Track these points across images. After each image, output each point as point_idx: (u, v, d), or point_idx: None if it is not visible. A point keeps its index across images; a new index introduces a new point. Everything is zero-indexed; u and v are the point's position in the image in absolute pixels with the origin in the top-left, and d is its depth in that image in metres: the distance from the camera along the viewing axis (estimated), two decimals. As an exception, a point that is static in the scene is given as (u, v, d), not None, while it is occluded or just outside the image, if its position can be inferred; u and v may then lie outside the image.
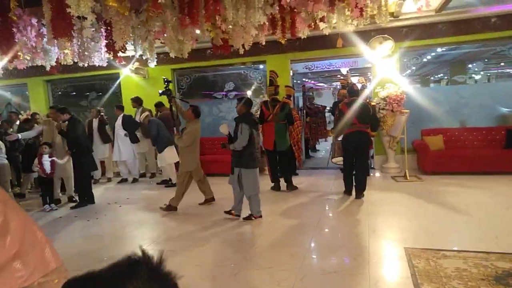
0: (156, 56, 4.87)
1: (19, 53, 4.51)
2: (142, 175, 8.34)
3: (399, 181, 6.61)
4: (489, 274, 3.04)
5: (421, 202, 5.30)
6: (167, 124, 7.11)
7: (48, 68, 4.95)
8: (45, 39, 4.05)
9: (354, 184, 5.74)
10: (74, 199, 6.41)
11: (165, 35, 3.87)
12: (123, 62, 7.84)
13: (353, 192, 5.74)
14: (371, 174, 7.16)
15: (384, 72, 7.34)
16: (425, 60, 12.47)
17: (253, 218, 4.86)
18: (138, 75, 8.70)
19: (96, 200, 6.37)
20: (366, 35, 7.08)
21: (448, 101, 7.77)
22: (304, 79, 14.28)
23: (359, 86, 7.23)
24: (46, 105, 9.39)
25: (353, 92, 5.82)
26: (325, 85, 19.22)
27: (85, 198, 6.21)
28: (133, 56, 7.70)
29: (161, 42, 4.84)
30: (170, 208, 5.44)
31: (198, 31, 4.28)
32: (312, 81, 16.48)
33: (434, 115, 7.47)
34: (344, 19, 3.70)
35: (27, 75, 8.78)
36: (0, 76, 6.31)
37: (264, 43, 4.75)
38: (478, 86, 11.81)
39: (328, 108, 14.10)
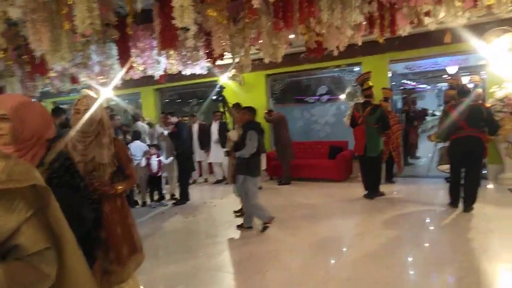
0: (251, 63, 5.05)
1: (134, 65, 5.11)
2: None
3: (520, 195, 5.72)
4: None
5: (549, 220, 4.50)
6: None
7: (157, 77, 5.47)
8: (154, 51, 4.51)
9: (462, 195, 5.13)
10: (175, 196, 6.99)
11: (260, 41, 3.97)
12: (221, 70, 8.38)
13: (460, 205, 5.14)
14: (483, 185, 6.32)
15: (502, 70, 6.43)
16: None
17: (268, 225, 4.75)
18: (234, 82, 9.12)
19: (194, 198, 6.85)
20: (479, 29, 6.30)
21: None
22: (404, 81, 13.34)
23: (471, 86, 6.47)
24: (156, 111, 10.44)
25: (464, 93, 5.20)
26: (428, 87, 17.71)
27: (186, 196, 6.74)
28: (230, 64, 8.13)
29: (256, 49, 5.01)
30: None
31: (292, 35, 4.31)
32: (414, 83, 15.30)
33: None
34: (453, 11, 3.33)
35: (140, 84, 9.88)
36: (119, 85, 7.21)
37: (360, 44, 4.55)
38: None
39: (431, 111, 12.96)
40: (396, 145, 7.19)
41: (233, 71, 8.54)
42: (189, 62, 4.63)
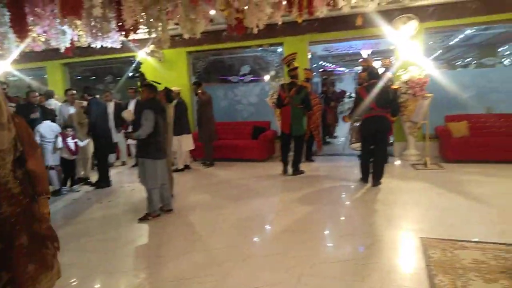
0: (170, 38, 4.79)
1: (33, 34, 4.52)
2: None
3: (419, 169, 6.38)
4: (508, 267, 2.87)
5: (441, 191, 5.09)
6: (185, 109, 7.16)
7: (62, 50, 4.93)
8: (57, 20, 4.02)
9: (371, 171, 5.57)
10: (88, 180, 6.52)
11: (176, 15, 3.75)
12: (138, 44, 7.86)
13: (370, 180, 5.57)
14: (390, 162, 6.95)
15: (408, 55, 7.01)
16: (452, 42, 11.96)
17: (149, 218, 4.50)
18: (154, 58, 8.65)
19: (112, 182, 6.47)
20: (389, 15, 6.75)
21: (474, 86, 7.39)
22: (323, 63, 13.94)
23: (383, 69, 6.95)
24: (64, 89, 9.52)
25: (373, 75, 5.59)
26: (347, 70, 18.78)
27: (105, 179, 6.33)
28: (148, 39, 7.67)
29: (174, 23, 4.75)
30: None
31: (211, 10, 4.16)
32: (333, 65, 16.09)
33: (459, 100, 7.14)
34: (364, -4, 3.49)
35: (45, 58, 8.89)
36: (19, 58, 6.37)
37: (280, 23, 4.56)
38: (507, 70, 11.26)
39: (348, 93, 13.78)
40: (316, 124, 7.52)
41: (151, 47, 8.10)
42: (99, 34, 4.22)
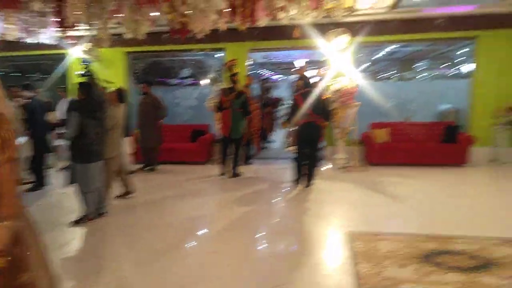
0: (109, 37, 4.74)
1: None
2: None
3: (346, 172, 6.97)
4: (417, 253, 3.35)
5: (365, 191, 5.65)
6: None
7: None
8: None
9: (304, 173, 5.97)
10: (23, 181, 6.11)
11: (120, 14, 3.76)
12: (73, 42, 7.52)
13: (303, 181, 5.97)
14: (322, 164, 7.47)
15: (339, 66, 7.61)
16: (378, 56, 13.13)
17: (84, 221, 4.36)
18: (90, 57, 8.32)
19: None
20: (324, 28, 7.29)
21: (395, 96, 8.26)
22: (262, 70, 14.40)
23: (317, 78, 7.46)
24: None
25: (308, 84, 6.03)
26: (284, 77, 19.50)
27: (41, 181, 6.00)
28: (83, 37, 7.38)
29: (116, 23, 4.70)
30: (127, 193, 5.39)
31: (156, 13, 4.21)
32: (271, 72, 16.66)
33: (383, 109, 7.91)
34: (301, 10, 3.81)
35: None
36: None
37: (223, 30, 4.75)
38: (422, 83, 12.67)
39: (285, 100, 14.31)
40: (257, 128, 7.82)
41: (88, 45, 7.80)
42: (34, 28, 4.04)
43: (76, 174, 4.28)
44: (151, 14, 3.77)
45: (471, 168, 6.97)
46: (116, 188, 5.25)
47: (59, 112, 7.23)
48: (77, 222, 4.34)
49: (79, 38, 7.06)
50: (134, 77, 8.83)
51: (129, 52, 8.58)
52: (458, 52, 12.12)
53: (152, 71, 9.58)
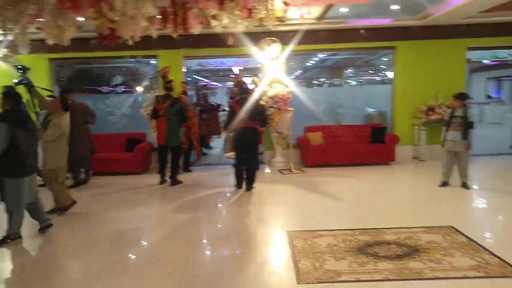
0: (29, 43, 4.39)
1: None
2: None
3: (285, 174, 7.18)
4: (353, 246, 3.57)
5: (303, 191, 5.87)
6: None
7: None
8: None
9: (244, 177, 6.04)
10: None
11: (40, 19, 3.51)
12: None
13: (244, 185, 6.04)
14: (261, 169, 7.62)
15: (273, 73, 7.86)
16: (309, 64, 13.77)
17: (9, 240, 4.01)
18: (6, 64, 7.63)
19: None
20: (257, 37, 7.48)
21: (326, 102, 8.73)
22: (198, 77, 14.32)
23: (252, 85, 7.61)
24: None
25: (244, 90, 6.14)
26: (219, 84, 19.57)
27: None
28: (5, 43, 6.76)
29: (35, 28, 4.38)
30: (65, 208, 5.03)
31: (81, 18, 4.00)
32: (207, 79, 16.63)
33: (315, 114, 8.30)
34: (233, 18, 3.89)
35: None
36: None
37: (155, 37, 4.65)
38: (351, 89, 13.54)
39: (222, 107, 14.38)
40: (196, 135, 7.73)
41: (3, 51, 7.15)
42: None
43: (6, 190, 3.91)
44: (76, 19, 3.58)
45: (397, 166, 7.59)
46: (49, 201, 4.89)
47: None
48: (0, 242, 3.95)
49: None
50: (58, 85, 8.25)
51: (53, 59, 8.03)
52: (381, 60, 13.19)
53: (79, 79, 9.05)
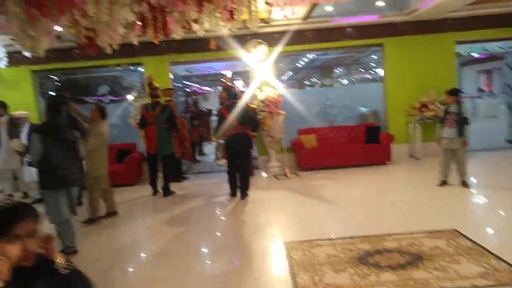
0: (8, 55, 4.18)
1: None
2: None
3: (280, 179, 6.98)
4: (353, 256, 3.37)
5: (299, 197, 5.68)
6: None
7: None
8: None
9: (238, 185, 5.84)
10: None
11: (8, 30, 3.29)
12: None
13: (238, 193, 5.83)
14: (256, 174, 7.42)
15: (262, 76, 7.67)
16: (299, 65, 13.61)
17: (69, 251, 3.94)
18: (-13, 78, 7.39)
19: None
20: (243, 39, 7.29)
21: (318, 103, 8.56)
22: (188, 83, 14.09)
23: (242, 89, 7.42)
24: None
25: (232, 95, 5.94)
26: (211, 89, 19.35)
27: None
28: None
29: (10, 39, 4.16)
30: (93, 220, 5.02)
31: (57, 27, 3.79)
32: (197, 85, 16.39)
33: (307, 116, 8.12)
34: (215, 21, 3.70)
35: None
36: None
37: (137, 43, 4.45)
38: (342, 88, 13.41)
39: (214, 112, 14.19)
40: (187, 142, 7.53)
41: (-18, 64, 6.90)
42: None
43: (45, 203, 3.91)
44: (50, 28, 3.37)
45: (393, 165, 7.42)
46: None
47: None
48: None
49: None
50: (44, 98, 8.00)
51: (35, 71, 7.77)
52: (371, 58, 13.08)
53: (65, 89, 8.80)
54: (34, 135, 3.85)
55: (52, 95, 8.12)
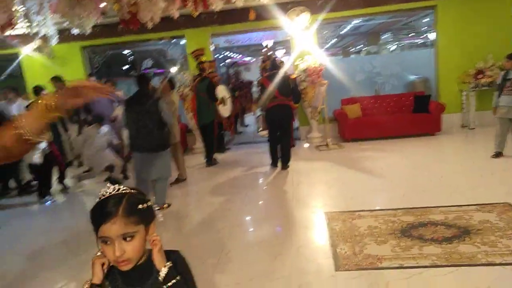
0: (59, 32, 4.40)
1: None
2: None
3: (322, 150, 6.91)
4: (396, 228, 3.32)
5: (341, 168, 5.60)
6: None
7: None
8: None
9: (279, 156, 5.87)
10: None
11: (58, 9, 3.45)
12: (19, 40, 7.06)
13: (280, 164, 5.87)
14: (297, 145, 7.40)
15: (304, 45, 7.46)
16: (342, 32, 13.04)
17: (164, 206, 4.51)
18: (42, 55, 7.84)
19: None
20: (283, 8, 7.08)
21: (363, 71, 8.21)
22: (229, 54, 14.07)
23: (284, 59, 7.29)
24: None
25: (274, 66, 5.86)
26: (252, 60, 19.19)
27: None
28: (35, 34, 6.91)
29: (60, 17, 4.36)
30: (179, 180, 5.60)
31: (101, 4, 3.91)
32: (239, 55, 16.32)
33: (352, 85, 7.84)
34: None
35: None
36: None
37: (177, 17, 4.49)
38: (389, 56, 12.71)
39: (255, 82, 14.15)
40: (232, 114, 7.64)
41: (38, 42, 7.33)
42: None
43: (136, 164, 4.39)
44: (95, 6, 3.48)
45: (444, 136, 7.05)
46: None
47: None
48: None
49: (24, 36, 6.59)
50: (93, 72, 8.38)
51: (85, 47, 8.13)
52: (422, 22, 12.20)
53: (113, 64, 9.17)
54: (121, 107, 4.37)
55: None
